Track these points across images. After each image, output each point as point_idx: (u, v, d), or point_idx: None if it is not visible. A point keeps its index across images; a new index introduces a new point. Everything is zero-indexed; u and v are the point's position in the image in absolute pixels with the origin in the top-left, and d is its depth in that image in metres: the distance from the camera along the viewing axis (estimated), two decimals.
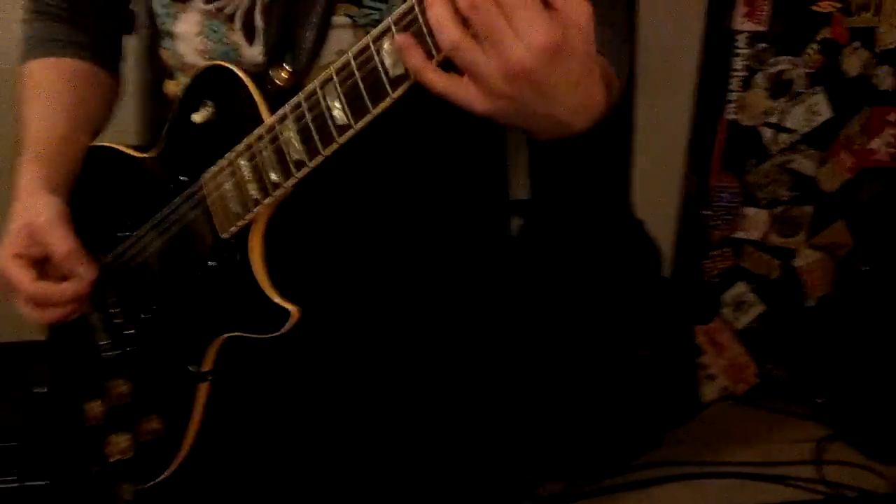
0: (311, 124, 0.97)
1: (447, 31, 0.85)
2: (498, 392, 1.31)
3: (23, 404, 2.25)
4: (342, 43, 1.08)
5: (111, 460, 1.25)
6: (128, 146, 1.24)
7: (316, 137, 0.97)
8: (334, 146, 0.96)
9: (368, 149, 1.00)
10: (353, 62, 0.92)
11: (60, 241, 1.18)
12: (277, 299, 1.06)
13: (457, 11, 0.84)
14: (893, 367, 2.90)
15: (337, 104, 0.94)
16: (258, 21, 1.11)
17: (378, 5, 1.07)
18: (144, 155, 1.21)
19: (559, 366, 1.25)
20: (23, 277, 1.17)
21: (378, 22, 1.04)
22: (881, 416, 2.90)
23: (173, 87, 1.22)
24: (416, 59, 0.88)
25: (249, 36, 1.12)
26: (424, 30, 0.87)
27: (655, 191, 2.83)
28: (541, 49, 0.83)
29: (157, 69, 1.23)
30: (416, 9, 0.87)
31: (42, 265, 1.20)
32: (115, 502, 1.29)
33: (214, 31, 1.14)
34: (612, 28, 1.07)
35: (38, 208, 1.19)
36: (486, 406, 1.30)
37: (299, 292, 1.07)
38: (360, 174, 1.08)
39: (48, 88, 1.28)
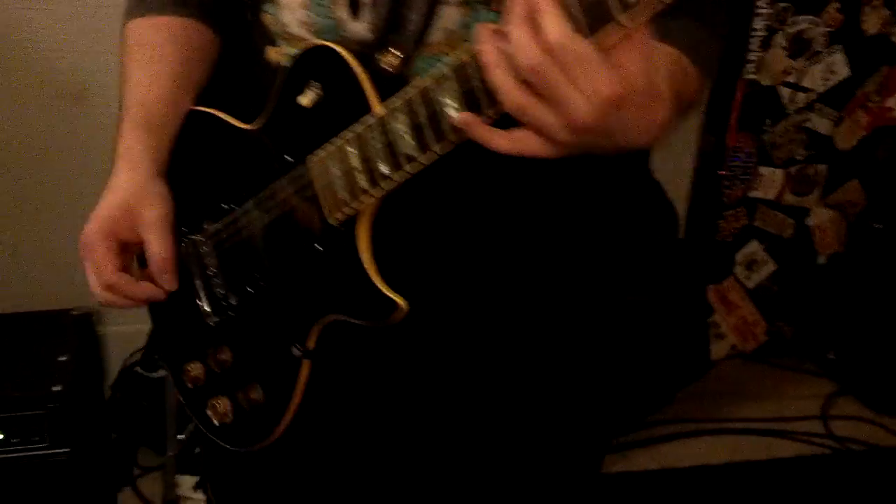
0: (424, 121, 0.97)
1: (511, 95, 0.86)
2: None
3: (49, 371, 2.25)
4: (449, 21, 1.07)
5: (215, 422, 1.27)
6: (227, 114, 1.23)
7: (429, 134, 0.97)
8: (449, 145, 0.96)
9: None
10: (473, 63, 0.91)
11: (162, 246, 1.19)
12: (385, 290, 1.06)
13: (517, 73, 0.85)
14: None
15: (452, 103, 0.94)
16: None
17: None
18: (248, 126, 1.20)
19: (574, 325, 1.26)
20: (107, 262, 1.18)
21: None
22: (889, 370, 2.96)
23: (275, 55, 1.20)
24: (479, 131, 0.91)
25: (354, 10, 1.10)
26: (477, 90, 0.91)
27: (672, 151, 2.85)
28: (604, 102, 0.83)
29: (259, 33, 1.22)
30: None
31: (127, 246, 1.21)
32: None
33: (319, 5, 1.12)
34: (706, 26, 1.06)
35: (146, 195, 1.19)
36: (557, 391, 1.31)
37: (406, 283, 1.07)
38: (475, 165, 1.07)
39: (153, 49, 1.26)
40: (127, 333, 2.61)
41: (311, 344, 1.17)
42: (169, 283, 1.22)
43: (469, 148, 0.96)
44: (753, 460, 2.83)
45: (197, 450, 2.56)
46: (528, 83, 0.85)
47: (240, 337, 1.25)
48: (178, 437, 2.50)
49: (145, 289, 1.22)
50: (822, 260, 3.16)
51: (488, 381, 1.25)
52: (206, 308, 1.28)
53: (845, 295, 3.07)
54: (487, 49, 0.87)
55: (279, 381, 1.20)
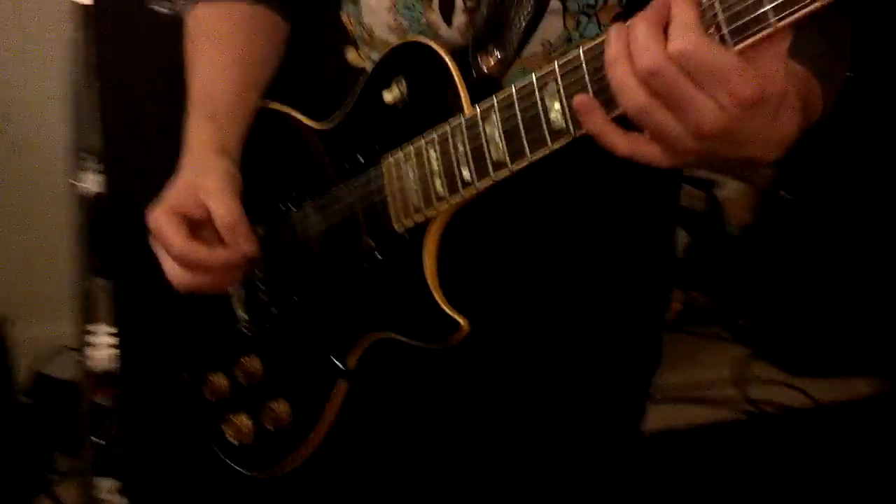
0: (521, 124, 0.89)
1: (632, 94, 0.78)
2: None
3: None
4: (551, 33, 1.01)
5: (232, 441, 1.19)
6: (300, 112, 1.16)
7: (524, 139, 0.89)
8: (544, 151, 0.88)
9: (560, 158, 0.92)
10: (583, 56, 0.84)
11: (226, 208, 1.09)
12: (447, 309, 0.99)
13: (639, 75, 0.78)
14: (810, 287, 3.06)
15: (557, 106, 0.86)
16: (458, 1, 1.03)
17: None
18: (320, 126, 1.12)
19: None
20: (175, 233, 1.08)
21: (592, 7, 0.99)
22: (799, 333, 3.07)
23: (355, 57, 1.13)
24: (597, 121, 0.82)
25: (447, 16, 1.04)
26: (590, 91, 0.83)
27: None
28: (739, 107, 0.76)
29: (335, 32, 1.14)
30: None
31: (199, 230, 1.11)
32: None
33: (409, 9, 1.06)
34: (830, 43, 1.00)
35: (208, 169, 1.10)
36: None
37: (467, 302, 1.00)
38: (545, 184, 1.01)
39: (222, 38, 1.18)
40: (39, 339, 2.51)
41: (352, 363, 1.09)
42: (244, 244, 1.11)
43: (550, 163, 0.90)
44: (673, 428, 2.88)
45: (116, 453, 2.45)
46: (650, 86, 0.78)
47: (274, 348, 1.17)
48: (94, 440, 2.39)
49: (221, 254, 1.10)
50: (734, 230, 3.25)
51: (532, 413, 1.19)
52: (243, 315, 1.19)
53: (757, 263, 3.16)
54: (613, 44, 0.79)
55: (311, 399, 1.12)
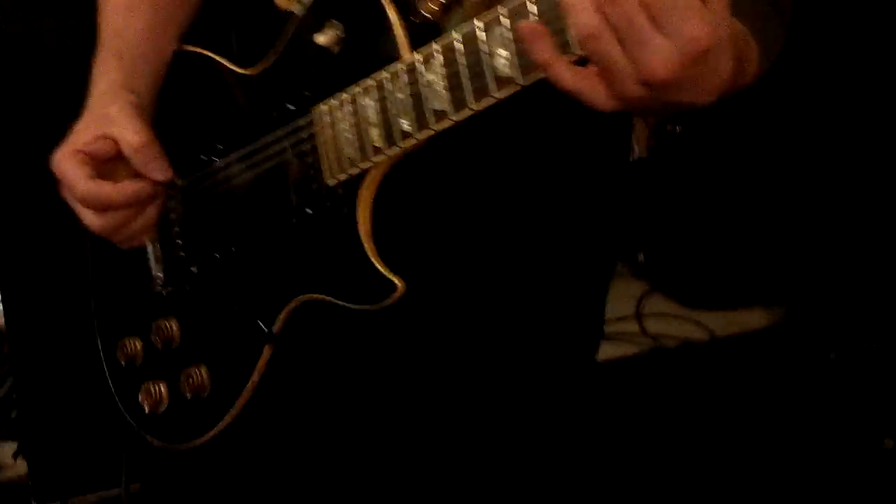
0: (464, 70, 0.84)
1: (584, 15, 0.73)
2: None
3: None
4: None
5: (144, 409, 1.12)
6: (224, 57, 1.09)
7: (467, 87, 0.84)
8: (489, 100, 0.84)
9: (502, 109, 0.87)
10: (533, 8, 0.78)
11: (132, 130, 1.03)
12: (382, 269, 0.94)
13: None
14: (703, 220, 3.11)
15: (503, 52, 0.81)
16: None
17: None
18: (245, 71, 1.05)
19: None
20: (78, 174, 1.02)
21: None
22: (695, 267, 3.12)
23: (285, 1, 1.05)
24: (544, 49, 0.76)
25: None
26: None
27: None
28: (694, 52, 0.71)
29: None
30: None
31: (110, 167, 1.04)
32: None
33: None
34: (773, 5, 0.96)
35: (109, 102, 1.04)
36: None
37: (402, 262, 0.95)
38: (489, 137, 0.96)
39: None
40: None
41: (278, 326, 1.03)
42: (158, 169, 1.05)
43: (491, 114, 0.85)
44: None
45: (13, 414, 2.34)
46: (606, 14, 0.72)
47: (193, 310, 1.10)
48: None
49: (127, 186, 1.04)
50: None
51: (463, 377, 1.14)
52: (159, 273, 1.12)
53: (651, 198, 3.18)
54: None
55: (233, 365, 1.06)
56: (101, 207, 1.03)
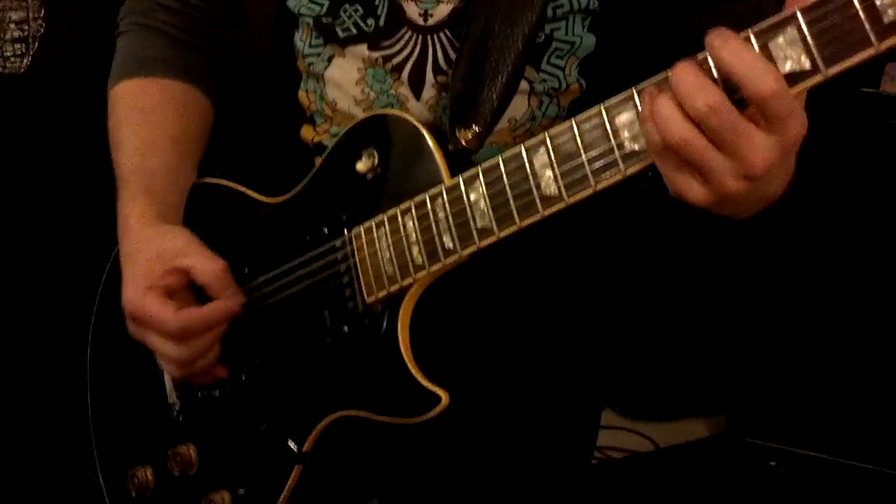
0: (508, 190, 0.88)
1: (677, 123, 0.75)
2: None
3: None
4: (515, 110, 1.01)
5: None
6: (247, 188, 1.11)
7: (512, 206, 0.88)
8: (535, 218, 0.88)
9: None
10: (576, 130, 0.84)
11: (206, 258, 1.03)
12: (425, 382, 0.95)
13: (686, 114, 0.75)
14: (644, 334, 3.19)
15: (548, 173, 0.86)
16: (429, 76, 1.01)
17: (556, 71, 1.01)
18: (273, 200, 1.08)
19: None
20: (165, 309, 1.01)
21: (555, 90, 1.01)
22: (636, 379, 3.18)
23: (311, 134, 1.10)
24: (655, 140, 0.78)
25: (416, 90, 1.02)
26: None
27: None
28: (793, 144, 0.75)
29: (289, 111, 1.10)
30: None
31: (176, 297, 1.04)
32: None
33: (378, 82, 1.03)
34: None
35: (163, 235, 1.04)
36: None
37: (443, 373, 0.96)
38: (522, 249, 0.99)
39: (152, 113, 1.12)
40: None
41: (308, 445, 1.03)
42: (235, 292, 1.05)
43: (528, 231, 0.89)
44: None
45: None
46: (705, 124, 0.75)
47: (213, 434, 1.09)
48: None
49: (217, 307, 1.03)
50: None
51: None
52: (175, 400, 1.10)
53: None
54: (655, 92, 0.78)
55: (259, 489, 1.05)
56: (192, 335, 1.02)
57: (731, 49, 0.74)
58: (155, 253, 1.04)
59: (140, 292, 1.02)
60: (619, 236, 1.20)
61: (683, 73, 0.76)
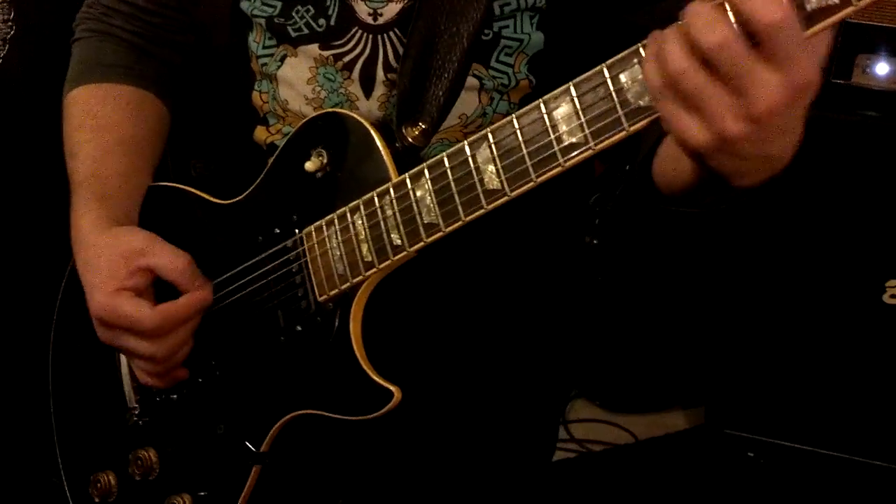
0: (453, 186, 0.90)
1: (676, 57, 0.71)
2: None
3: None
4: (466, 106, 1.02)
5: None
6: (199, 190, 1.11)
7: (457, 200, 0.90)
8: (479, 212, 0.89)
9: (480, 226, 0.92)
10: (517, 125, 0.86)
11: (170, 256, 1.04)
12: (378, 379, 0.96)
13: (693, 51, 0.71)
14: (623, 327, 3.21)
15: (490, 168, 0.88)
16: (379, 74, 1.02)
17: (506, 68, 1.02)
18: (226, 201, 1.08)
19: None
20: (139, 307, 1.02)
21: (505, 86, 1.02)
22: (616, 372, 3.20)
23: (265, 135, 1.11)
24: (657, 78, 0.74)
25: (367, 88, 1.04)
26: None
27: None
28: (800, 87, 0.70)
29: (243, 113, 1.11)
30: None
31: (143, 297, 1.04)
32: None
33: (329, 80, 1.04)
34: None
35: (125, 237, 1.04)
36: None
37: (395, 369, 0.98)
38: (469, 242, 1.00)
39: (106, 118, 1.13)
40: None
41: (266, 445, 1.04)
42: (202, 284, 1.06)
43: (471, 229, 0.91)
44: None
45: None
46: (714, 61, 0.70)
47: (173, 437, 1.10)
48: None
49: (190, 300, 1.04)
50: None
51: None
52: (134, 405, 1.11)
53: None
54: (658, 35, 0.74)
55: (219, 491, 1.06)
56: (168, 331, 1.03)
57: None
58: (117, 255, 1.04)
59: (110, 296, 1.02)
60: (572, 230, 1.21)
61: (700, 7, 0.71)
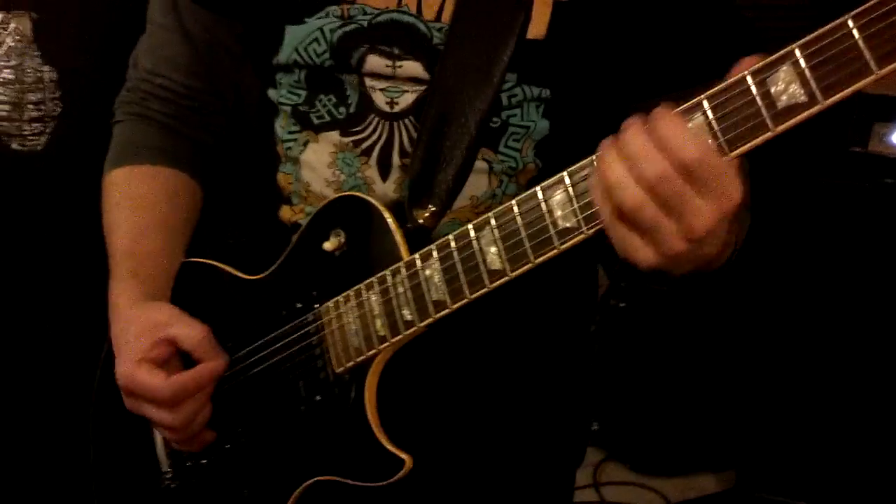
0: (459, 266, 0.97)
1: (630, 190, 0.81)
2: None
3: None
4: (476, 188, 1.09)
5: None
6: (230, 263, 1.18)
7: (463, 280, 0.97)
8: (483, 290, 0.96)
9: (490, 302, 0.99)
10: (516, 210, 0.93)
11: (189, 326, 1.11)
12: (390, 447, 1.03)
13: (639, 179, 0.81)
14: (654, 389, 3.23)
15: (493, 249, 0.95)
16: (395, 159, 1.10)
17: (513, 153, 1.09)
18: (253, 277, 1.15)
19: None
20: (156, 379, 1.08)
21: (513, 169, 1.09)
22: (647, 434, 3.22)
23: (289, 214, 1.18)
24: (607, 207, 0.84)
25: (384, 172, 1.11)
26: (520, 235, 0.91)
27: None
28: (733, 209, 0.81)
29: (269, 193, 1.18)
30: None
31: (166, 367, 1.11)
32: None
33: (348, 165, 1.12)
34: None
35: (149, 310, 1.12)
36: None
37: (409, 438, 1.04)
38: (475, 314, 1.06)
39: (143, 199, 1.20)
40: None
41: None
42: (219, 354, 1.13)
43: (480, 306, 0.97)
44: None
45: None
46: (655, 191, 0.81)
47: (202, 499, 1.17)
48: None
49: (203, 370, 1.11)
50: None
51: None
52: (167, 469, 1.17)
53: (602, 370, 3.31)
54: (607, 154, 0.84)
55: None
56: (183, 399, 1.09)
57: (663, 122, 0.81)
58: (142, 328, 1.11)
59: (131, 366, 1.09)
60: (576, 304, 1.27)
61: (639, 137, 0.82)
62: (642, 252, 0.85)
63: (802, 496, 2.75)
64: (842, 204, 2.49)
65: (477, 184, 1.09)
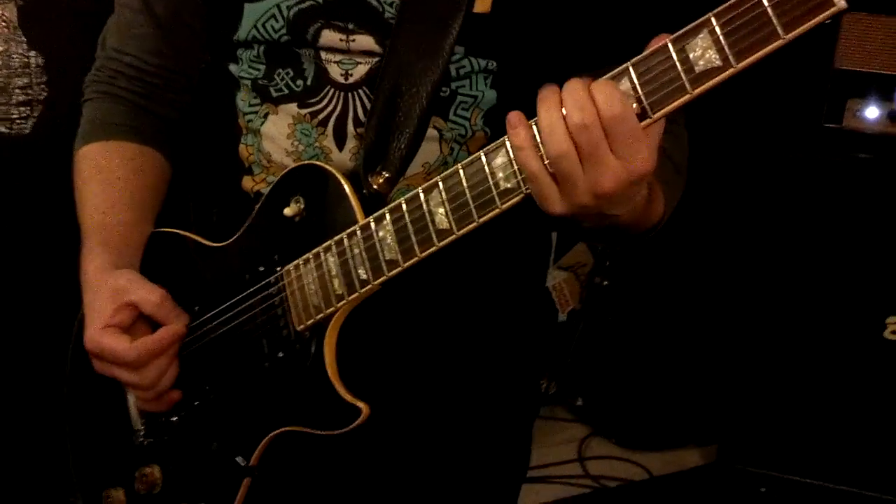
0: (410, 227, 1.02)
1: (557, 138, 0.89)
2: None
3: None
4: (428, 155, 1.15)
5: None
6: (195, 233, 1.23)
7: (413, 239, 1.02)
8: (432, 249, 1.02)
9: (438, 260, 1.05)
10: (462, 174, 0.98)
11: (147, 290, 1.16)
12: (348, 396, 1.09)
13: (567, 124, 0.88)
14: (638, 365, 3.29)
15: (441, 210, 1.00)
16: (350, 129, 1.15)
17: (463, 121, 1.15)
18: (218, 244, 1.20)
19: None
20: (120, 343, 1.13)
21: (463, 137, 1.14)
22: (631, 410, 3.28)
23: (251, 183, 1.23)
24: (522, 135, 0.92)
25: (340, 142, 1.16)
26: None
27: None
28: (640, 175, 0.89)
29: (232, 164, 1.24)
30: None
31: (130, 331, 1.17)
32: None
33: (306, 135, 1.17)
34: (672, 163, 1.15)
35: (113, 278, 1.16)
36: None
37: (366, 389, 1.10)
38: (429, 274, 1.11)
39: (112, 173, 1.24)
40: None
41: (255, 460, 1.16)
42: (178, 316, 1.19)
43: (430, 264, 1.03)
44: None
45: None
46: (575, 137, 0.88)
47: (174, 455, 1.22)
48: None
49: (165, 332, 1.16)
50: (562, 317, 3.44)
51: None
52: (140, 427, 1.23)
53: (586, 346, 3.37)
54: (548, 98, 0.90)
55: (214, 500, 1.18)
56: (147, 361, 1.15)
57: (600, 81, 0.89)
58: (107, 295, 1.16)
59: (97, 332, 1.15)
60: (521, 258, 1.33)
61: (576, 84, 0.89)
62: (553, 201, 0.92)
63: (783, 468, 2.80)
64: (816, 179, 2.54)
65: (429, 151, 1.14)
